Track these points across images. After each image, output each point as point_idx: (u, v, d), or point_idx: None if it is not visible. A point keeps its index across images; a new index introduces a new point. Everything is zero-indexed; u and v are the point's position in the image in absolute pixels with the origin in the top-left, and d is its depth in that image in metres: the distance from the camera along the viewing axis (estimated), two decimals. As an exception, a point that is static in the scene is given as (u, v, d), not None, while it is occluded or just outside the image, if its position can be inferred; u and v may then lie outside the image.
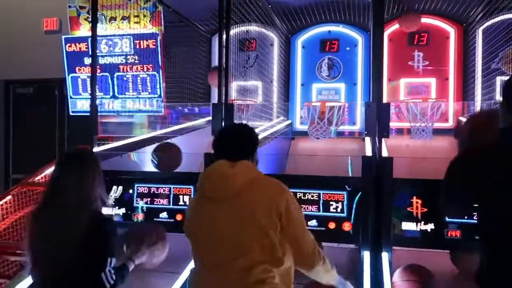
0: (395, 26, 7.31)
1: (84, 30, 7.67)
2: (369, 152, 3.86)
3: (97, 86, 4.37)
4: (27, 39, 8.33)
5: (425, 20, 7.32)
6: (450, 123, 7.19)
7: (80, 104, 7.79)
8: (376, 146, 3.51)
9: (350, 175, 4.52)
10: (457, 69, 7.32)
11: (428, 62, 7.26)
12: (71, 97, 7.81)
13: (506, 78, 6.48)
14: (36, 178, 5.11)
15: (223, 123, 3.90)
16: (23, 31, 8.39)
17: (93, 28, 4.30)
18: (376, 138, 3.51)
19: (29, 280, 3.12)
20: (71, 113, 7.89)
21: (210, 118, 7.52)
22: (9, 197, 4.72)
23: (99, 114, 4.39)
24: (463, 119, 6.81)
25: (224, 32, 4.22)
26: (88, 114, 4.30)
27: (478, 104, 6.65)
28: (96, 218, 2.04)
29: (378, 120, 3.52)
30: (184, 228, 1.94)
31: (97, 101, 4.33)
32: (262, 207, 1.74)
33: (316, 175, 3.75)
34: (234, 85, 5.18)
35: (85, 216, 2.00)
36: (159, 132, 6.47)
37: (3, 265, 4.06)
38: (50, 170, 5.02)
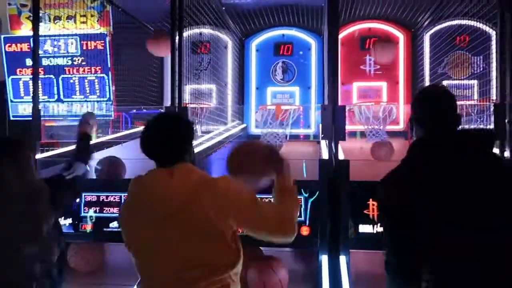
0: (347, 31, 7.44)
1: (26, 29, 7.23)
2: (325, 155, 3.86)
3: (41, 89, 4.09)
4: (-38, 39, 7.75)
5: (376, 25, 7.51)
6: (401, 126, 7.39)
7: (21, 108, 7.32)
8: (332, 149, 3.50)
9: (305, 177, 4.50)
10: (406, 73, 7.55)
11: (379, 66, 7.43)
12: (11, 101, 7.33)
13: (452, 82, 6.76)
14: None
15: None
16: (-42, 30, 7.80)
17: (35, 27, 4.04)
18: (333, 141, 3.50)
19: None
20: (11, 118, 7.40)
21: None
22: None
23: (42, 118, 4.13)
24: (413, 122, 7.01)
25: (177, 33, 4.09)
26: (30, 118, 4.01)
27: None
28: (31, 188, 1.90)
29: (334, 123, 3.51)
30: (124, 241, 1.68)
31: (40, 105, 4.05)
32: (213, 212, 1.54)
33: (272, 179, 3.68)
34: (187, 88, 5.03)
35: (44, 201, 1.87)
36: (109, 137, 6.19)
37: None
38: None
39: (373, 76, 7.48)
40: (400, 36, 7.55)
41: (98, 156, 5.03)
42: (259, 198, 1.65)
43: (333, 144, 3.48)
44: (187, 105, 4.65)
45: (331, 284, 3.08)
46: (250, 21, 7.48)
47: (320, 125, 6.79)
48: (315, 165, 3.77)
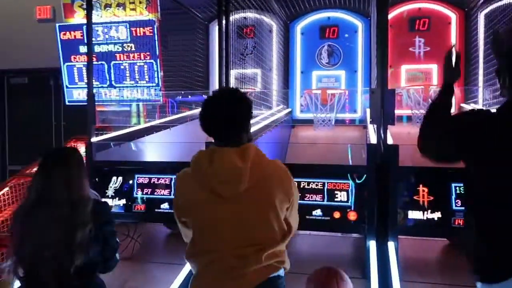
0: (395, 12, 7.19)
1: (78, 17, 7.52)
2: (373, 140, 3.79)
3: (93, 75, 4.26)
4: (21, 28, 8.18)
5: (426, 5, 7.21)
6: (452, 110, 7.11)
7: (76, 94, 7.68)
8: (380, 134, 3.43)
9: (351, 163, 4.44)
10: (459, 55, 7.21)
11: (430, 48, 7.15)
12: (67, 87, 7.70)
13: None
14: (34, 170, 5.02)
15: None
16: (16, 20, 8.23)
17: (88, 15, 4.19)
18: (381, 125, 3.43)
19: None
20: (67, 103, 7.79)
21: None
22: (6, 189, 4.65)
23: (96, 103, 4.30)
24: (465, 106, 6.74)
25: (224, 18, 4.12)
26: (84, 103, 4.19)
27: (480, 90, 6.56)
28: (94, 208, 1.97)
29: (382, 107, 3.44)
30: (178, 210, 1.76)
31: (94, 90, 4.22)
32: (275, 197, 1.65)
33: (320, 163, 3.67)
34: (233, 73, 5.07)
35: (84, 210, 1.92)
36: (157, 121, 6.37)
37: (1, 258, 3.98)
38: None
39: (422, 59, 7.21)
40: (452, 16, 7.21)
41: (148, 139, 5.21)
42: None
43: (381, 129, 3.42)
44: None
45: (379, 270, 3.04)
46: (295, 4, 7.39)
47: (368, 109, 6.68)
48: (361, 150, 3.73)
